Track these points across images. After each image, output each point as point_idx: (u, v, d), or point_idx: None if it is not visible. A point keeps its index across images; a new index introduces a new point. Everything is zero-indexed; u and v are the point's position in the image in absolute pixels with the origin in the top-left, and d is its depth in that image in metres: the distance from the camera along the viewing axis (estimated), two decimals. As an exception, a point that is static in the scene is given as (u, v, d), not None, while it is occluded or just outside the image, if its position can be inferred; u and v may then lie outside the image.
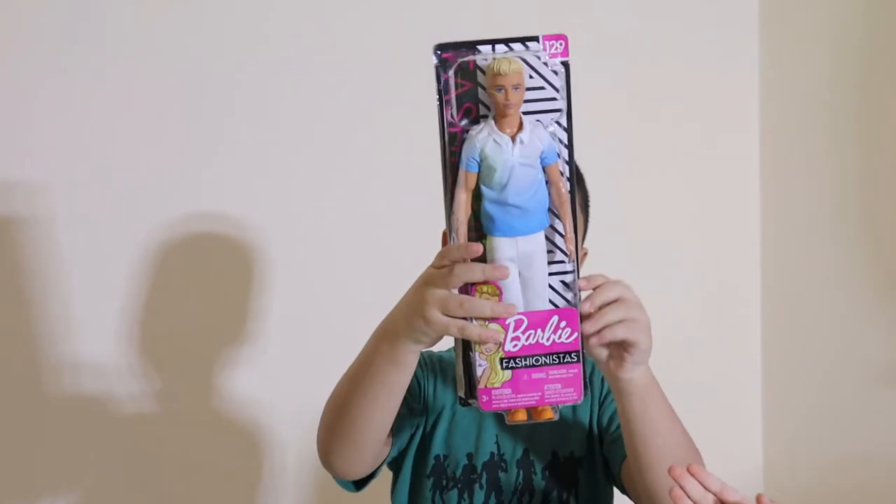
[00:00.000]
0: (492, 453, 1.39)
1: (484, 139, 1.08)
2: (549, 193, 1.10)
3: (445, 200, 1.10)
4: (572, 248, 1.11)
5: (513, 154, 1.08)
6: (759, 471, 2.30)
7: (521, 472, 1.39)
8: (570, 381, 1.12)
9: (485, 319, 1.09)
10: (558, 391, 1.13)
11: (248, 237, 2.05)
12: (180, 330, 2.04)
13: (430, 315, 1.10)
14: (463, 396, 1.14)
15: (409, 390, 1.26)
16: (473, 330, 1.09)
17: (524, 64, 1.08)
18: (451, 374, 1.39)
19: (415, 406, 1.38)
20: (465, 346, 1.12)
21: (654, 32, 2.22)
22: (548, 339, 1.12)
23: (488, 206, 1.09)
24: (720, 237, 2.28)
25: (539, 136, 1.09)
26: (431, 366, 1.42)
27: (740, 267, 2.29)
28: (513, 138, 1.08)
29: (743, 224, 2.29)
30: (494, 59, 1.07)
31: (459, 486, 1.38)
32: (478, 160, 1.08)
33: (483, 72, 1.08)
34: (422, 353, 1.28)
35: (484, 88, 1.08)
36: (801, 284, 2.19)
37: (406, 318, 1.13)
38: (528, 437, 1.38)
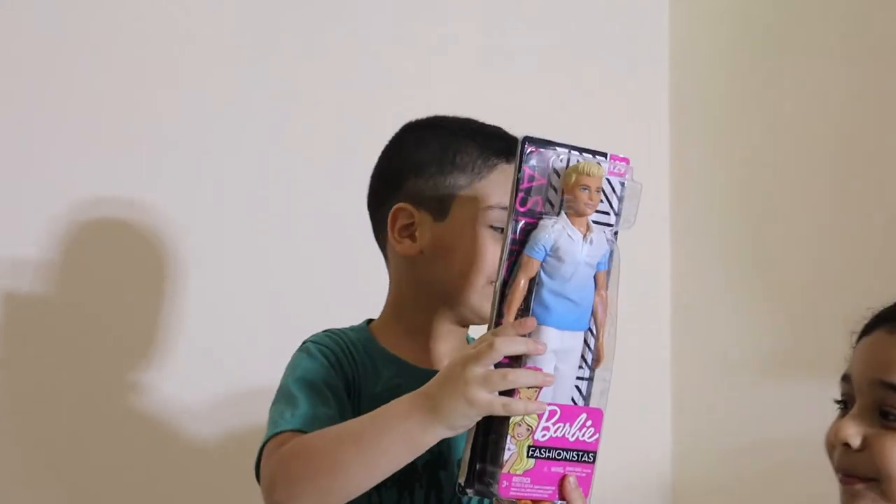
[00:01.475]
0: (432, 452, 1.34)
1: (559, 231, 1.14)
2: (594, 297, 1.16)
3: (496, 282, 1.16)
4: (601, 350, 1.17)
5: (582, 251, 1.14)
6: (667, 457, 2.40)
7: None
8: (582, 480, 1.16)
9: (528, 395, 1.13)
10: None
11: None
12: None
13: (473, 395, 1.12)
14: (462, 484, 1.16)
15: (335, 389, 1.32)
16: (519, 405, 1.12)
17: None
18: (368, 361, 1.38)
19: (347, 406, 1.37)
20: (484, 431, 1.14)
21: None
22: (573, 435, 1.15)
23: (546, 296, 1.14)
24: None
25: (602, 240, 1.16)
26: (340, 361, 1.39)
27: (650, 271, 2.36)
28: (584, 236, 1.14)
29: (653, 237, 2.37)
30: (584, 162, 1.15)
31: (399, 484, 1.36)
32: (547, 250, 1.14)
33: (557, 172, 1.16)
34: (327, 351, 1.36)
35: (554, 188, 1.16)
36: (708, 288, 2.35)
37: (448, 402, 1.14)
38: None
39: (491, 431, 1.14)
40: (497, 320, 1.15)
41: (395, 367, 1.42)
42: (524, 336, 1.13)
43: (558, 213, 1.15)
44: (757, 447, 2.23)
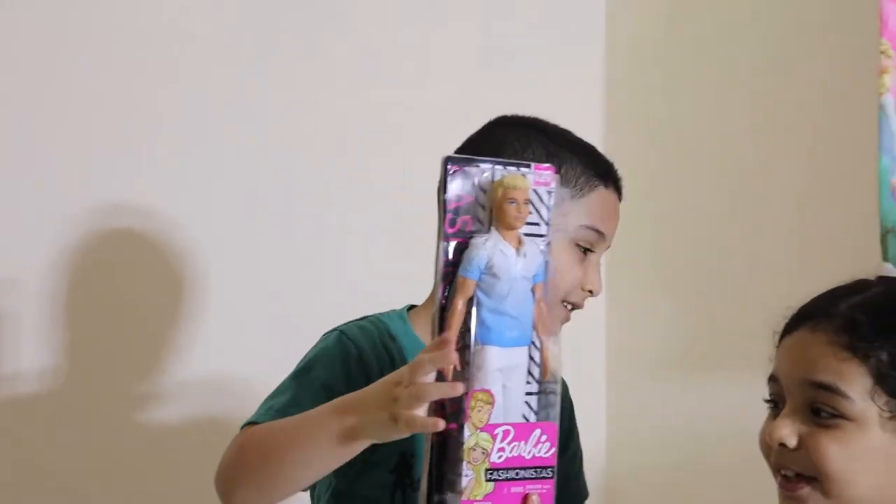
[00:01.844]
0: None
1: (491, 248, 1.10)
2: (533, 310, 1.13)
3: (435, 308, 1.11)
4: (551, 365, 1.13)
5: (517, 266, 1.11)
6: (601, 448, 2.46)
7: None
8: (544, 497, 1.13)
9: (479, 418, 1.09)
10: None
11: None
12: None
13: (394, 411, 1.10)
14: None
15: (332, 390, 1.28)
16: (417, 419, 1.09)
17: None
18: (396, 353, 1.38)
19: None
20: (438, 460, 1.11)
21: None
22: (528, 453, 1.12)
23: (486, 315, 1.10)
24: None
25: (535, 252, 1.13)
26: (362, 356, 1.38)
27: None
28: (517, 251, 1.11)
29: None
30: (507, 176, 1.12)
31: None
32: (482, 268, 1.10)
33: (483, 189, 1.12)
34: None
35: (481, 205, 1.12)
36: (642, 284, 2.42)
37: (370, 415, 1.13)
38: None
39: (444, 460, 1.11)
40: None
41: None
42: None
43: (488, 230, 1.12)
44: (687, 439, 2.31)
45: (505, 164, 1.14)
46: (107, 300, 2.00)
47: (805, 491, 1.12)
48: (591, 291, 1.44)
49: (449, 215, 1.11)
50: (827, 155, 2.16)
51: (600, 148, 1.49)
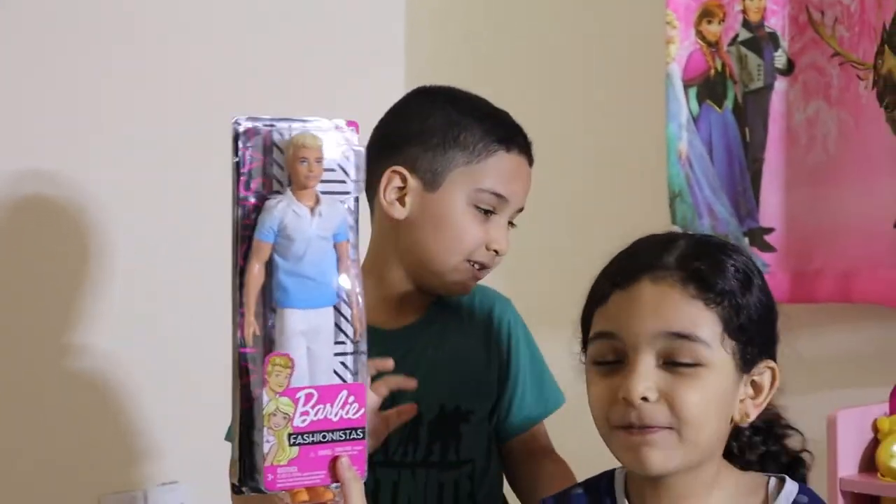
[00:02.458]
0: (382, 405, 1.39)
1: (283, 209, 1.08)
2: (338, 269, 1.11)
3: (233, 272, 1.09)
4: (359, 326, 1.12)
5: (311, 226, 1.09)
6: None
7: (407, 424, 1.42)
8: (354, 458, 1.11)
9: (278, 383, 1.08)
10: None
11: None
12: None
13: None
14: (236, 484, 1.11)
15: None
16: None
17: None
18: None
19: None
20: (248, 425, 1.09)
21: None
22: (336, 415, 1.10)
23: (283, 277, 1.09)
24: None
25: (335, 209, 1.11)
26: None
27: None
28: (311, 210, 1.09)
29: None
30: (299, 133, 1.09)
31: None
32: (275, 230, 1.08)
33: (279, 148, 1.09)
34: None
35: (279, 165, 1.10)
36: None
37: None
38: (419, 391, 1.42)
39: (252, 426, 1.09)
40: (238, 309, 1.10)
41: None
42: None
43: (286, 192, 1.10)
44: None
45: (305, 122, 1.12)
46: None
47: (659, 434, 1.12)
48: (496, 251, 1.50)
49: (242, 178, 1.09)
50: (619, 122, 2.23)
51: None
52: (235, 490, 1.11)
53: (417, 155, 1.49)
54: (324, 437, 1.10)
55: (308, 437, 1.09)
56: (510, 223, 1.54)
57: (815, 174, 1.95)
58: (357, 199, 1.13)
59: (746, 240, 2.02)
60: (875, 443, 1.71)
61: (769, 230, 2.01)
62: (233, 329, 1.10)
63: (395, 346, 1.44)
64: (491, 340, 1.56)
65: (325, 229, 1.10)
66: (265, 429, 1.08)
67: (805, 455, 1.28)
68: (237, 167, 1.09)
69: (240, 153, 1.09)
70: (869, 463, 1.70)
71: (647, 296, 1.15)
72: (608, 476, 1.26)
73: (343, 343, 1.12)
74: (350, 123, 1.13)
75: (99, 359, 2.09)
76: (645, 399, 1.12)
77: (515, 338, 1.57)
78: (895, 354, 1.78)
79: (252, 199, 1.09)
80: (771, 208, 2.00)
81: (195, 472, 2.31)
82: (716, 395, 1.14)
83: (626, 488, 1.23)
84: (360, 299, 1.12)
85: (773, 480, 1.19)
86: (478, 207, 1.49)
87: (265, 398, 1.07)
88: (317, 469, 1.10)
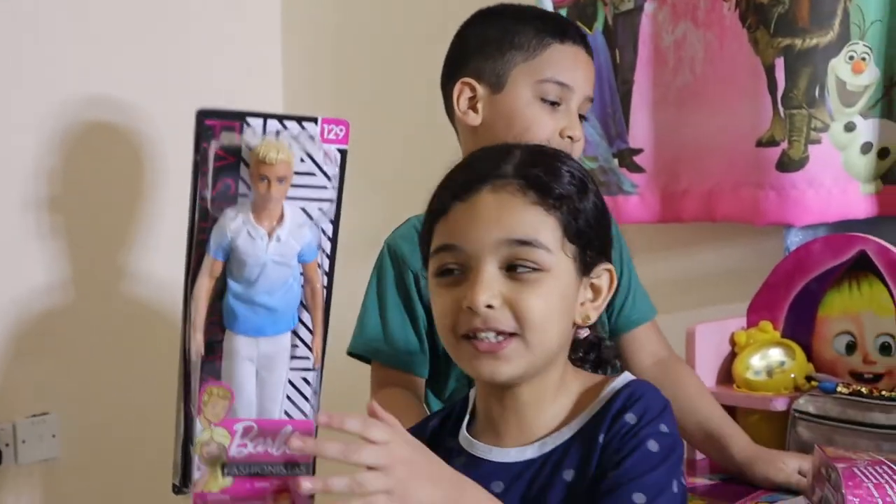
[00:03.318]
0: None
1: (237, 229, 0.98)
2: (304, 290, 1.02)
3: (186, 278, 1.00)
4: (318, 349, 1.04)
5: (267, 251, 0.99)
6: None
7: None
8: (298, 497, 1.03)
9: (215, 413, 1.01)
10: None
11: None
12: None
13: None
14: (177, 484, 1.05)
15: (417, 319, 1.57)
16: None
17: (295, 151, 0.97)
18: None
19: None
20: (187, 437, 1.03)
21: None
22: (278, 449, 1.02)
23: (232, 301, 0.99)
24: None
25: (300, 231, 0.99)
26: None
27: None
28: (270, 233, 0.99)
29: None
30: (262, 143, 0.97)
31: None
32: (226, 250, 0.98)
33: (250, 148, 0.97)
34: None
35: (247, 165, 0.98)
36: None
37: None
38: None
39: (187, 445, 1.02)
40: (186, 319, 1.01)
41: None
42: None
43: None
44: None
45: (283, 118, 0.98)
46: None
47: (510, 347, 1.13)
48: (570, 138, 1.58)
49: (203, 177, 0.97)
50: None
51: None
52: (175, 490, 1.06)
53: (480, 64, 1.60)
54: (262, 469, 1.03)
55: (244, 468, 1.02)
56: (582, 117, 1.62)
57: (682, 95, 1.98)
58: (338, 204, 1.01)
59: (616, 161, 2.05)
60: (732, 356, 1.77)
61: (638, 151, 2.04)
62: (181, 334, 1.02)
63: None
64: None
65: (283, 254, 0.99)
66: (196, 456, 1.01)
67: None
68: (197, 164, 0.97)
69: (202, 149, 0.96)
70: (726, 375, 1.76)
71: (488, 205, 1.15)
72: (464, 399, 1.28)
73: (302, 370, 1.03)
74: (338, 122, 1.00)
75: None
76: (490, 307, 1.12)
77: (627, 248, 1.71)
78: (754, 271, 1.82)
79: (211, 201, 0.98)
80: (640, 130, 2.03)
81: (67, 403, 2.30)
82: (558, 298, 1.15)
83: (473, 404, 1.25)
84: (324, 325, 1.03)
85: (614, 376, 1.22)
86: (544, 100, 1.58)
87: (198, 426, 1.00)
88: (253, 499, 1.03)
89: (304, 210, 1.00)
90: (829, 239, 1.73)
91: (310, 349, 1.03)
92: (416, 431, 1.20)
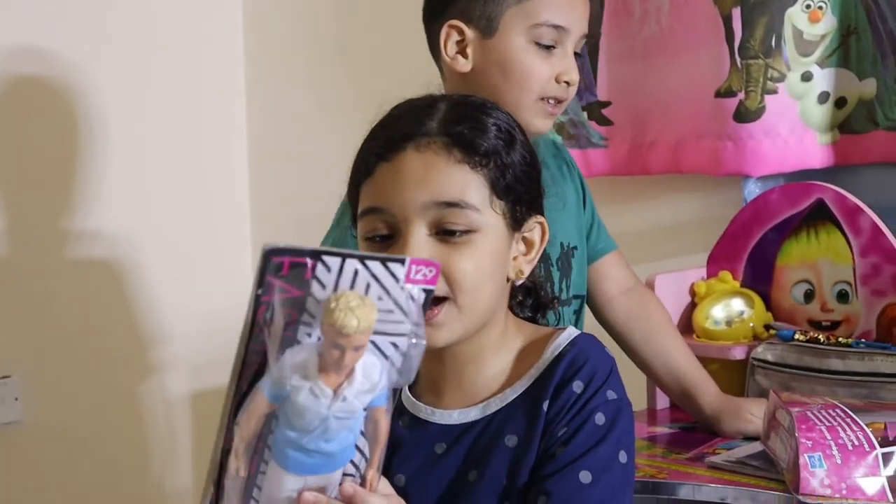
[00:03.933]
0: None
1: (299, 386, 0.89)
2: (366, 427, 0.94)
3: (226, 404, 0.93)
4: (373, 481, 0.96)
5: (330, 409, 0.90)
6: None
7: (540, 265, 1.43)
8: None
9: None
10: None
11: None
12: None
13: None
14: None
15: None
16: None
17: (374, 293, 0.90)
18: None
19: None
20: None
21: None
22: None
23: (281, 444, 0.91)
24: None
25: (369, 382, 0.91)
26: None
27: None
28: (336, 391, 0.90)
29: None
30: (339, 305, 0.87)
31: None
32: (283, 397, 0.90)
33: (322, 283, 0.89)
34: None
35: (316, 301, 0.90)
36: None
37: None
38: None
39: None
40: (227, 424, 0.94)
41: None
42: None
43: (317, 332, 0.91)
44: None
45: (365, 259, 0.89)
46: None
47: (443, 312, 1.11)
48: (567, 82, 1.51)
49: (262, 307, 0.89)
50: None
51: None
52: None
53: (469, 5, 1.49)
54: None
55: None
56: (576, 54, 1.54)
57: (648, 47, 1.98)
58: (415, 343, 0.93)
59: (585, 114, 2.04)
60: (692, 306, 1.77)
61: (606, 104, 2.03)
62: (218, 430, 0.94)
63: None
64: (578, 185, 1.64)
65: (347, 412, 0.90)
66: None
67: None
68: (258, 292, 0.89)
69: (266, 282, 0.88)
70: (686, 325, 1.77)
71: (413, 165, 1.12)
72: None
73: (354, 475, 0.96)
74: (428, 263, 0.92)
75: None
76: None
77: (586, 185, 1.68)
78: (714, 222, 1.83)
79: (268, 330, 0.90)
80: (608, 82, 2.03)
81: (29, 365, 2.28)
82: (490, 258, 1.13)
83: None
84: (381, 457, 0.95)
85: (558, 332, 1.20)
86: (538, 44, 1.49)
87: None
88: None
89: (377, 347, 0.92)
90: (787, 188, 1.73)
91: (363, 479, 0.96)
92: None
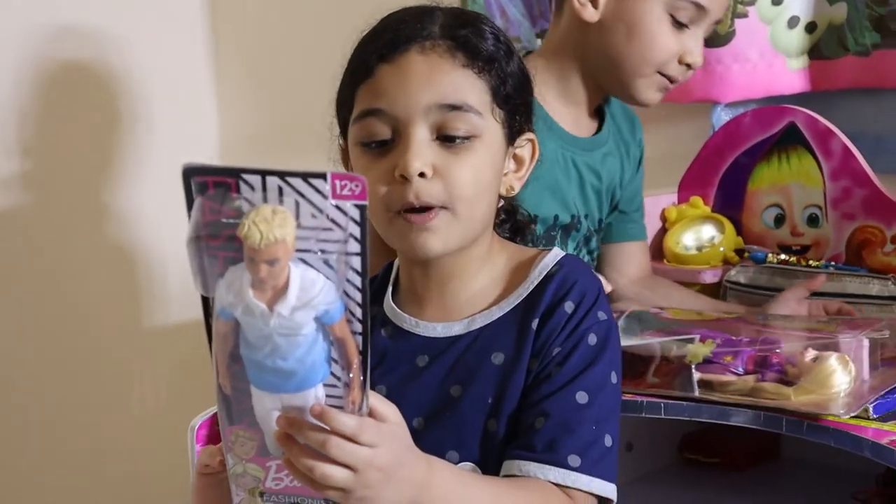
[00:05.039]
0: (572, 216, 1.51)
1: (234, 303, 0.87)
2: (335, 346, 0.90)
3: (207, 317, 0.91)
4: (357, 401, 0.91)
5: (269, 325, 0.87)
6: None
7: (587, 226, 1.56)
8: None
9: (244, 452, 0.95)
10: None
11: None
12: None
13: None
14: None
15: None
16: None
17: (303, 210, 0.86)
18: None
19: None
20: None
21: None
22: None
23: (247, 363, 0.90)
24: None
25: (306, 297, 0.87)
26: None
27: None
28: (270, 307, 0.86)
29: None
30: (245, 222, 0.84)
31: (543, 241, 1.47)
32: (228, 315, 0.88)
33: (250, 202, 0.86)
34: None
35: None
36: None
37: None
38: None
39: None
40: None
41: (560, 139, 1.47)
42: None
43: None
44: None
45: (285, 175, 0.85)
46: None
47: (438, 218, 1.09)
48: (689, 65, 1.48)
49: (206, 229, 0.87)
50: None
51: None
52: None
53: None
54: (301, 500, 0.97)
55: (283, 497, 0.98)
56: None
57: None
58: (364, 256, 0.88)
59: (539, 41, 2.02)
60: (663, 231, 1.77)
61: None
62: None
63: (589, 148, 1.53)
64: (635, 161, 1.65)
65: (290, 328, 0.87)
66: (233, 484, 0.97)
67: None
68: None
69: (195, 202, 0.87)
70: (657, 250, 1.76)
71: (417, 67, 1.10)
72: (388, 266, 1.24)
73: (340, 398, 0.92)
74: (354, 178, 0.87)
75: None
76: (422, 175, 1.08)
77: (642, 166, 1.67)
78: (684, 151, 1.82)
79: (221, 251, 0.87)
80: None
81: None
82: (489, 168, 1.12)
83: (396, 273, 1.22)
84: (362, 378, 0.91)
85: (544, 253, 1.19)
86: (674, 18, 1.45)
87: (230, 460, 0.96)
88: None
89: (324, 261, 0.88)
90: (759, 112, 1.73)
91: (342, 401, 0.92)
92: None
